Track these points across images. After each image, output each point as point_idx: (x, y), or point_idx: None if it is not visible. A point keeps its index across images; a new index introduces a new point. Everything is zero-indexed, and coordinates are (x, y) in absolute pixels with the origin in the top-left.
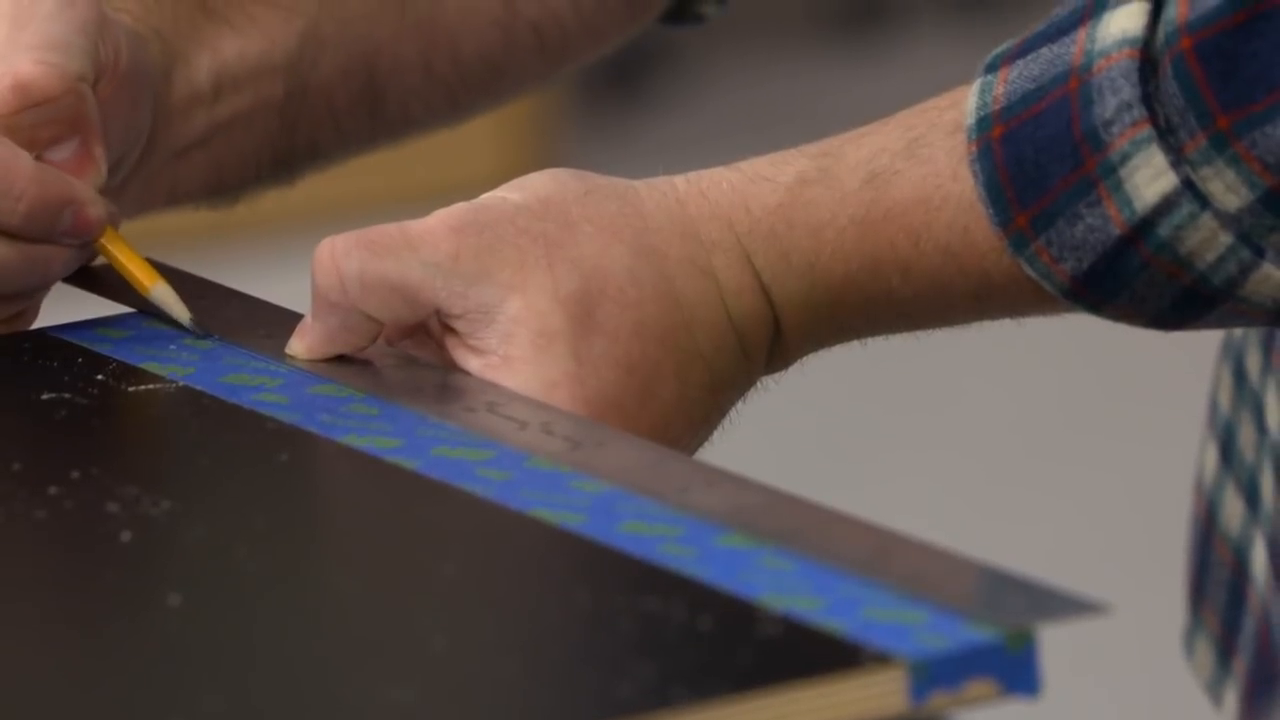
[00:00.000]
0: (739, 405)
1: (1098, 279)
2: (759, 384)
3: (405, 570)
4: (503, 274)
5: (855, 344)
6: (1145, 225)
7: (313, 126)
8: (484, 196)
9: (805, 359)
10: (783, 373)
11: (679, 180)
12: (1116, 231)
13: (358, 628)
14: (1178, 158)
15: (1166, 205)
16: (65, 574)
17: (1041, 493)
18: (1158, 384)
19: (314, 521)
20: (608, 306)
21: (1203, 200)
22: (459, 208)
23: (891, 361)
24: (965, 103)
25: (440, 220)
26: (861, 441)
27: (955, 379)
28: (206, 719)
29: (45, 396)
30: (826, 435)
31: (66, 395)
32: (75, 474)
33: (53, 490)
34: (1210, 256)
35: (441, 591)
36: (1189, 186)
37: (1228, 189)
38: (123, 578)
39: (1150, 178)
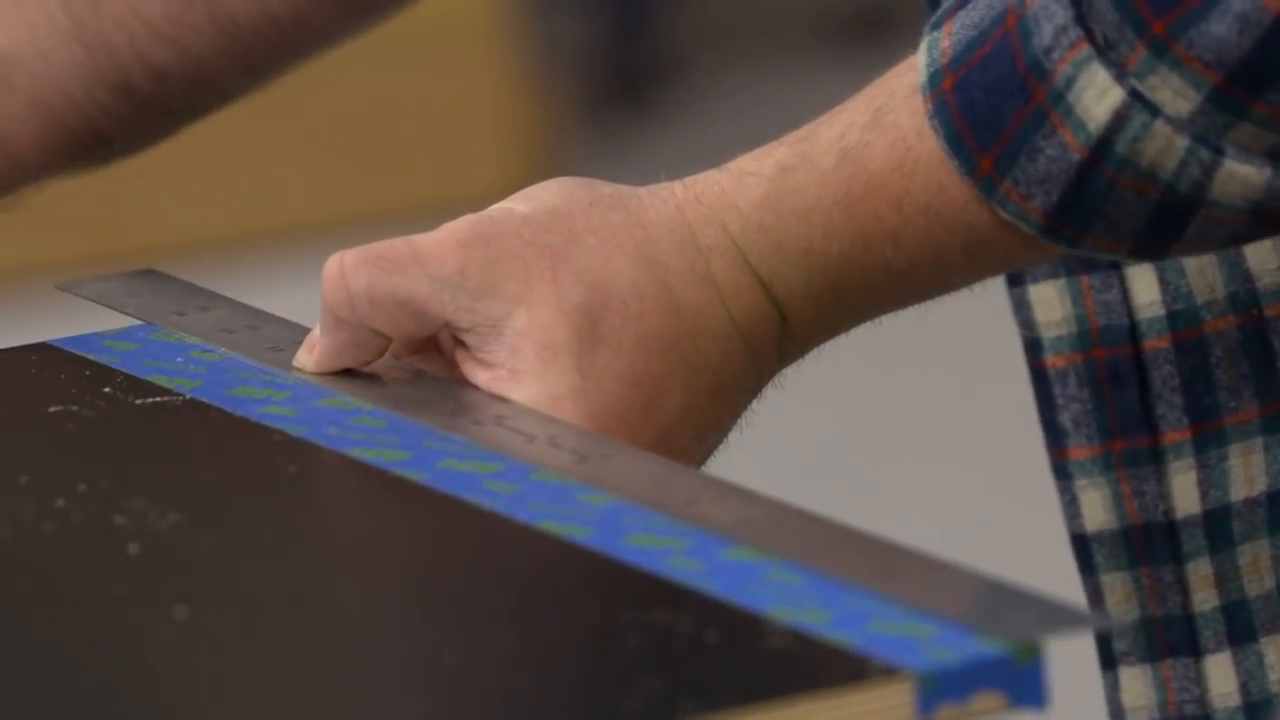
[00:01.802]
0: (753, 405)
1: (1068, 210)
2: (773, 381)
3: (413, 583)
4: (509, 287)
5: (863, 354)
6: (1102, 145)
7: (135, 45)
8: (492, 208)
9: (817, 358)
10: (794, 375)
11: (677, 187)
12: (1076, 157)
13: (365, 640)
14: (1121, 72)
15: (1119, 120)
16: (73, 586)
17: (1050, 505)
18: None
19: (321, 534)
20: (611, 319)
21: (1153, 109)
22: (466, 221)
23: (899, 372)
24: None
25: (447, 234)
26: (868, 454)
27: (962, 389)
28: None
29: (52, 409)
30: (833, 448)
31: (74, 408)
32: (83, 486)
33: (60, 503)
34: (1171, 164)
35: (449, 604)
36: (1137, 97)
37: (1176, 94)
38: (130, 590)
39: (1097, 96)
